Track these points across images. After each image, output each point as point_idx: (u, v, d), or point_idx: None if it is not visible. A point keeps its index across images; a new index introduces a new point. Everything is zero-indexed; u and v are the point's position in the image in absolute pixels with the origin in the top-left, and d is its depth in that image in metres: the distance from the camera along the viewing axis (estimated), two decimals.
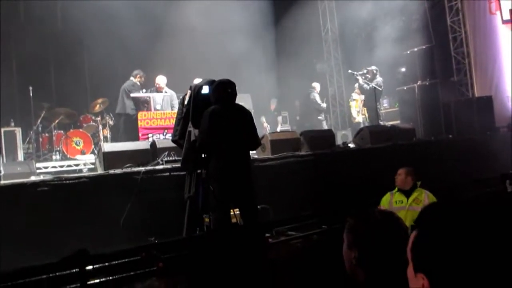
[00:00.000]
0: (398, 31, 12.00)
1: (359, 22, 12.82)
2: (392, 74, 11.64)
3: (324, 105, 12.01)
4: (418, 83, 10.54)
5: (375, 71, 10.45)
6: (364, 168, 6.63)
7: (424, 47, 11.21)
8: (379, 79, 10.41)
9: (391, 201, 4.80)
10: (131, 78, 9.37)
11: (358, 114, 11.84)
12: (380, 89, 10.28)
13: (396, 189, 4.88)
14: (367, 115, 11.25)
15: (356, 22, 12.86)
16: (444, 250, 0.99)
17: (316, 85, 12.17)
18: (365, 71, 10.60)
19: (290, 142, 6.71)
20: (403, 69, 11.71)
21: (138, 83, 9.32)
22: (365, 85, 10.42)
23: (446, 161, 7.77)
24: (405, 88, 10.79)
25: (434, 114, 10.13)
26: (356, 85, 11.24)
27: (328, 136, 7.39)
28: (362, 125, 11.12)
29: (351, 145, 7.94)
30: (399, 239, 1.67)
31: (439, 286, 1.00)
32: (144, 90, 9.37)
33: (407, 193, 4.78)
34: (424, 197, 4.81)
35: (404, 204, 4.70)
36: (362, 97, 11.43)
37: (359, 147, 7.60)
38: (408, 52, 11.24)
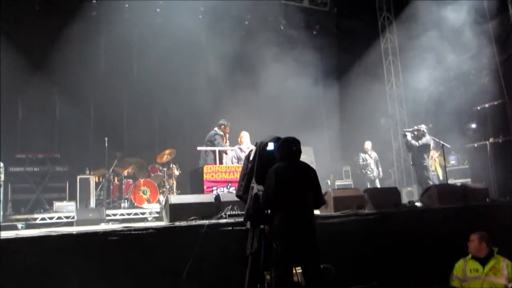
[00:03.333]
0: (468, 86, 11.70)
1: (425, 76, 12.65)
2: (461, 130, 11.26)
3: (364, 162, 11.87)
4: (490, 140, 10.09)
5: (424, 130, 10.29)
6: (433, 230, 6.30)
7: (495, 103, 10.77)
8: (428, 137, 10.23)
9: (465, 269, 4.50)
10: (215, 128, 9.57)
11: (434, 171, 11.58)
12: (430, 144, 10.32)
13: (470, 255, 4.58)
14: (416, 172, 10.90)
15: (422, 76, 12.71)
16: None
17: (367, 144, 12.16)
18: (415, 128, 10.45)
19: (353, 199, 6.57)
20: (473, 126, 11.28)
21: (220, 132, 9.47)
22: (413, 142, 10.25)
23: None
24: (475, 145, 10.36)
25: (509, 172, 9.56)
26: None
27: (393, 194, 7.17)
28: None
29: (418, 204, 7.63)
30: None
31: None
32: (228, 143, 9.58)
33: (483, 261, 4.47)
34: (503, 266, 4.47)
35: (480, 273, 4.39)
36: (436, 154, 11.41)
37: (427, 207, 7.28)
38: (479, 108, 10.84)
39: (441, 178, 11.46)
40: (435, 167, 11.63)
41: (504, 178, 9.54)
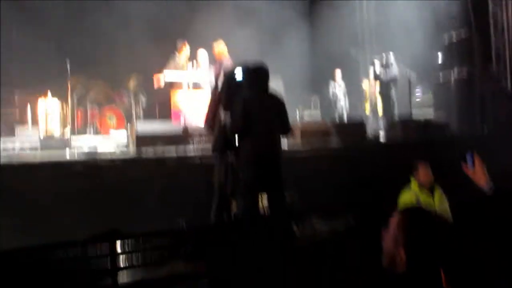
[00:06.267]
0: (436, 17, 11.60)
1: (394, 6, 12.45)
2: (427, 61, 11.32)
3: (334, 90, 11.89)
4: (454, 72, 10.23)
5: (392, 60, 10.24)
6: (395, 162, 6.52)
7: (462, 34, 10.79)
8: (395, 67, 10.25)
9: (419, 200, 4.61)
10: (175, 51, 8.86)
11: (368, 104, 11.74)
12: (397, 78, 10.32)
13: (416, 187, 4.67)
14: (381, 104, 11.06)
15: (392, 6, 12.50)
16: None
17: (337, 73, 12.05)
18: (383, 57, 10.40)
19: (320, 132, 6.66)
20: (439, 57, 11.36)
21: (178, 55, 8.80)
22: (382, 72, 10.25)
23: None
24: (440, 76, 10.51)
25: (470, 105, 9.83)
26: (371, 71, 11.34)
27: (359, 127, 7.30)
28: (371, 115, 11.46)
29: (382, 137, 7.82)
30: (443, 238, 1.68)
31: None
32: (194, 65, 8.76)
33: (431, 191, 4.62)
34: (442, 192, 4.67)
35: (432, 205, 4.55)
36: (373, 86, 11.56)
37: (391, 139, 7.47)
38: (446, 39, 10.85)
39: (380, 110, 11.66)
40: (375, 98, 11.71)
41: (466, 111, 9.82)
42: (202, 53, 8.56)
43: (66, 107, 9.11)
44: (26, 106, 9.02)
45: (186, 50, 8.82)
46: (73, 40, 10.67)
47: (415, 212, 1.82)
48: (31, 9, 10.25)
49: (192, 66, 8.63)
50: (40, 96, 8.92)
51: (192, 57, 9.06)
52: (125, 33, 11.48)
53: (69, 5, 10.51)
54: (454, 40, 10.65)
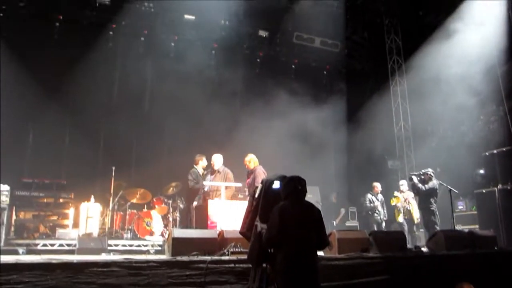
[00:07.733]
0: (476, 131, 11.71)
1: (434, 120, 12.72)
2: (469, 175, 11.17)
3: (371, 204, 11.70)
4: (498, 187, 10.00)
5: (431, 174, 10.14)
6: (439, 276, 6.18)
7: (504, 149, 10.74)
8: (435, 181, 10.07)
9: None
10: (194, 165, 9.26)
11: (399, 214, 11.37)
12: (436, 190, 10.04)
13: None
14: (422, 216, 10.72)
15: (431, 120, 12.77)
16: None
17: (376, 185, 11.98)
18: (422, 171, 10.31)
19: (358, 242, 6.47)
20: (481, 171, 11.21)
21: (196, 169, 9.13)
22: (420, 185, 10.07)
23: None
24: (484, 191, 10.27)
25: None
26: (400, 182, 11.42)
27: (399, 237, 7.06)
28: (405, 225, 11.11)
29: (424, 249, 7.49)
30: None
31: None
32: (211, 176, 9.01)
33: None
34: None
35: None
36: (406, 195, 11.35)
37: (433, 253, 7.14)
38: (487, 153, 10.81)
39: (415, 222, 11.25)
40: (411, 210, 11.34)
41: None
42: (216, 157, 8.92)
43: (106, 210, 9.37)
44: (69, 209, 9.38)
45: (202, 162, 9.22)
46: (118, 149, 11.35)
47: None
48: (85, 117, 11.12)
49: (211, 176, 8.95)
50: (84, 200, 9.29)
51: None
52: (168, 143, 12.18)
53: (116, 119, 11.31)
54: (496, 155, 10.58)
